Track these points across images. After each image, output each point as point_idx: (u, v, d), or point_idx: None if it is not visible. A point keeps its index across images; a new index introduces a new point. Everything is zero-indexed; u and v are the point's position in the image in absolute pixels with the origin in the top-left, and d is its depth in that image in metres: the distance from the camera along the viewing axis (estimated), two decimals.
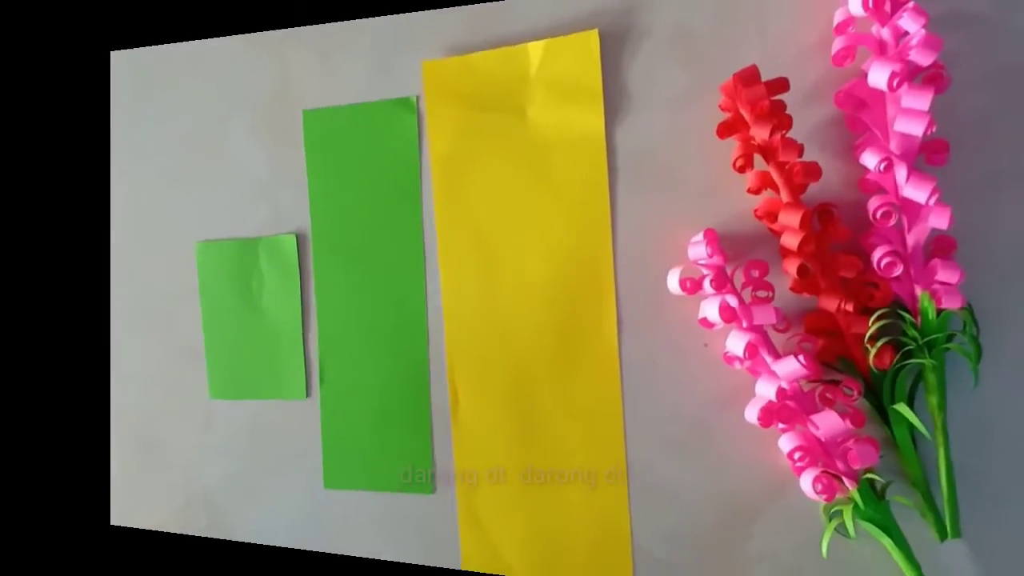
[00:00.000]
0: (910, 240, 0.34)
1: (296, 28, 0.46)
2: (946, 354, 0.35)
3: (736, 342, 0.35)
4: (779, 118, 0.34)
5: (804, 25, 0.37)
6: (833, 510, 0.35)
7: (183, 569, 0.49)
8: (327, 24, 0.45)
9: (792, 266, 0.35)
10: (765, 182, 0.36)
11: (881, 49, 0.34)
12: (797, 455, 0.35)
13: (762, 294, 0.36)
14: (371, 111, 0.44)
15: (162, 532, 0.50)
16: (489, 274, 0.42)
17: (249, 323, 0.47)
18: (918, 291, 0.34)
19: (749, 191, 0.37)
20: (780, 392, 0.34)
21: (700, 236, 0.36)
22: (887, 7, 0.33)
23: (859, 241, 0.36)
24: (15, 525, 0.49)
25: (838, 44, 0.35)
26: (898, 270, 0.34)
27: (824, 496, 0.34)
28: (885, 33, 0.34)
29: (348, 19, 0.45)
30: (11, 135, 0.50)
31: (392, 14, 0.44)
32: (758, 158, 0.36)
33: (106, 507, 0.51)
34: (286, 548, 0.47)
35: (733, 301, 0.35)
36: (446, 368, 0.43)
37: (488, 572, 0.42)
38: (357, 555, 0.45)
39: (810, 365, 0.33)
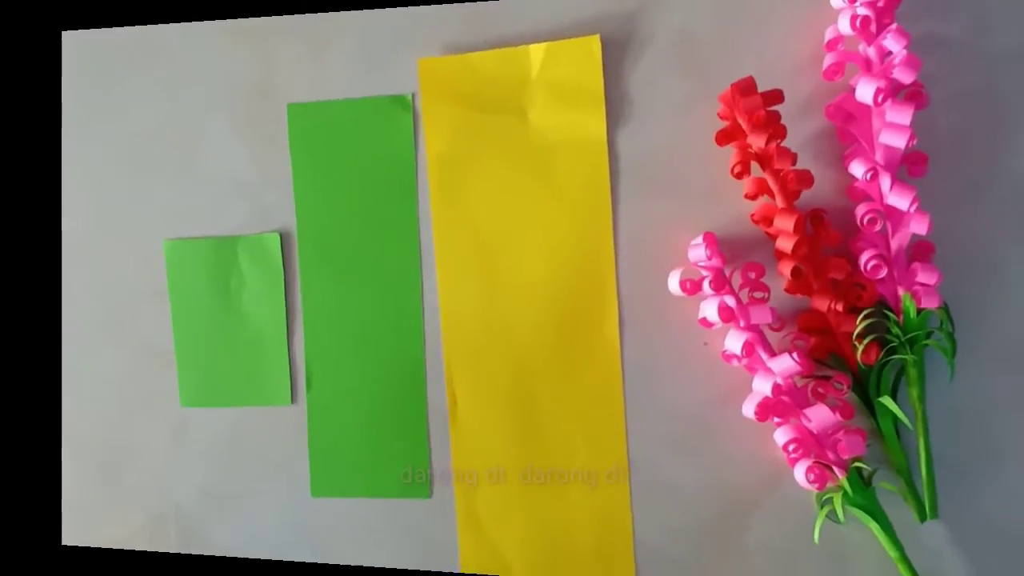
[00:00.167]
0: (894, 244, 0.37)
1: (284, 16, 0.43)
2: (925, 350, 0.37)
3: (734, 341, 0.37)
4: (774, 128, 0.36)
5: (798, 41, 0.39)
6: (824, 498, 0.37)
7: None
8: (317, 14, 0.43)
9: (787, 268, 0.37)
10: (761, 188, 0.38)
11: (867, 66, 0.36)
12: (792, 447, 0.37)
13: (758, 295, 0.38)
14: (363, 107, 0.43)
15: (125, 550, 0.46)
16: (488, 274, 0.42)
17: (227, 326, 0.45)
18: (901, 292, 0.37)
19: (746, 196, 0.38)
20: (776, 388, 0.36)
21: (700, 239, 0.38)
22: (873, 27, 0.36)
23: (848, 245, 0.38)
24: None
25: (829, 60, 0.37)
26: (883, 272, 0.36)
27: (816, 485, 0.36)
28: (871, 52, 0.36)
29: (340, 11, 0.43)
30: None
31: (386, 7, 0.43)
32: (755, 165, 0.38)
33: (57, 526, 0.47)
34: (272, 560, 0.44)
35: (731, 302, 0.37)
36: (443, 369, 0.43)
37: (488, 574, 0.42)
38: (349, 563, 0.44)
39: (803, 362, 0.35)
